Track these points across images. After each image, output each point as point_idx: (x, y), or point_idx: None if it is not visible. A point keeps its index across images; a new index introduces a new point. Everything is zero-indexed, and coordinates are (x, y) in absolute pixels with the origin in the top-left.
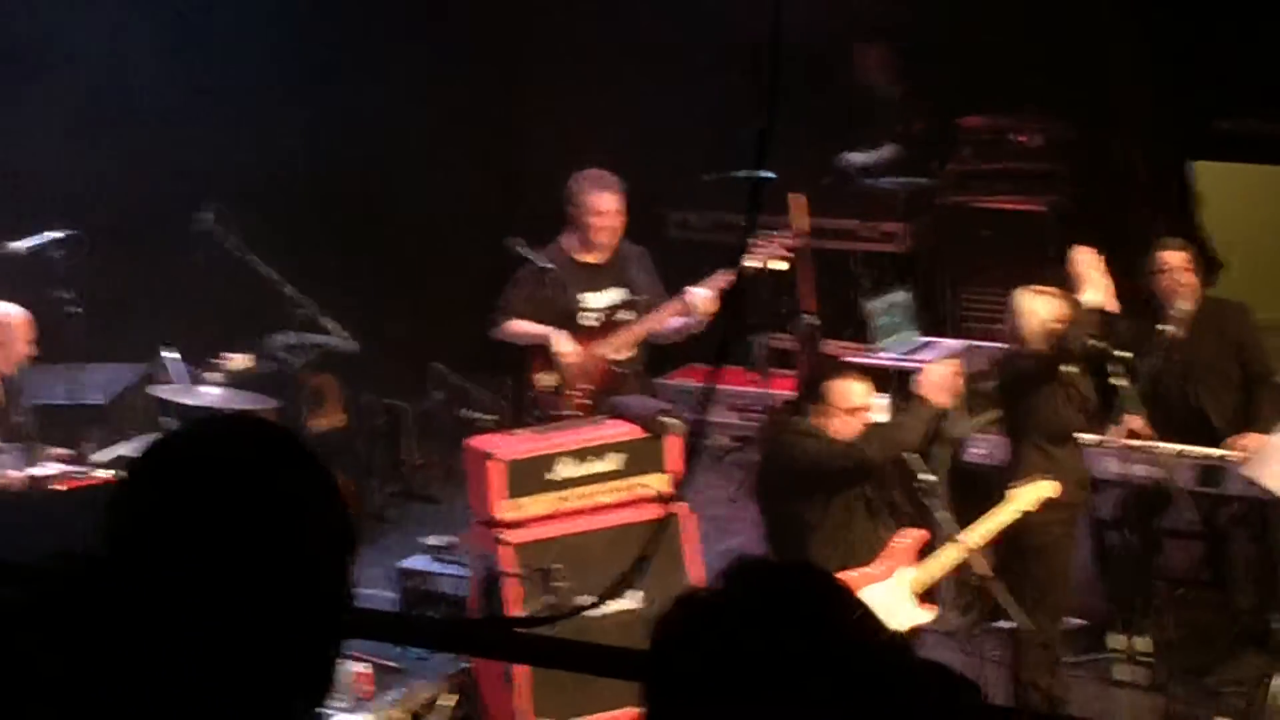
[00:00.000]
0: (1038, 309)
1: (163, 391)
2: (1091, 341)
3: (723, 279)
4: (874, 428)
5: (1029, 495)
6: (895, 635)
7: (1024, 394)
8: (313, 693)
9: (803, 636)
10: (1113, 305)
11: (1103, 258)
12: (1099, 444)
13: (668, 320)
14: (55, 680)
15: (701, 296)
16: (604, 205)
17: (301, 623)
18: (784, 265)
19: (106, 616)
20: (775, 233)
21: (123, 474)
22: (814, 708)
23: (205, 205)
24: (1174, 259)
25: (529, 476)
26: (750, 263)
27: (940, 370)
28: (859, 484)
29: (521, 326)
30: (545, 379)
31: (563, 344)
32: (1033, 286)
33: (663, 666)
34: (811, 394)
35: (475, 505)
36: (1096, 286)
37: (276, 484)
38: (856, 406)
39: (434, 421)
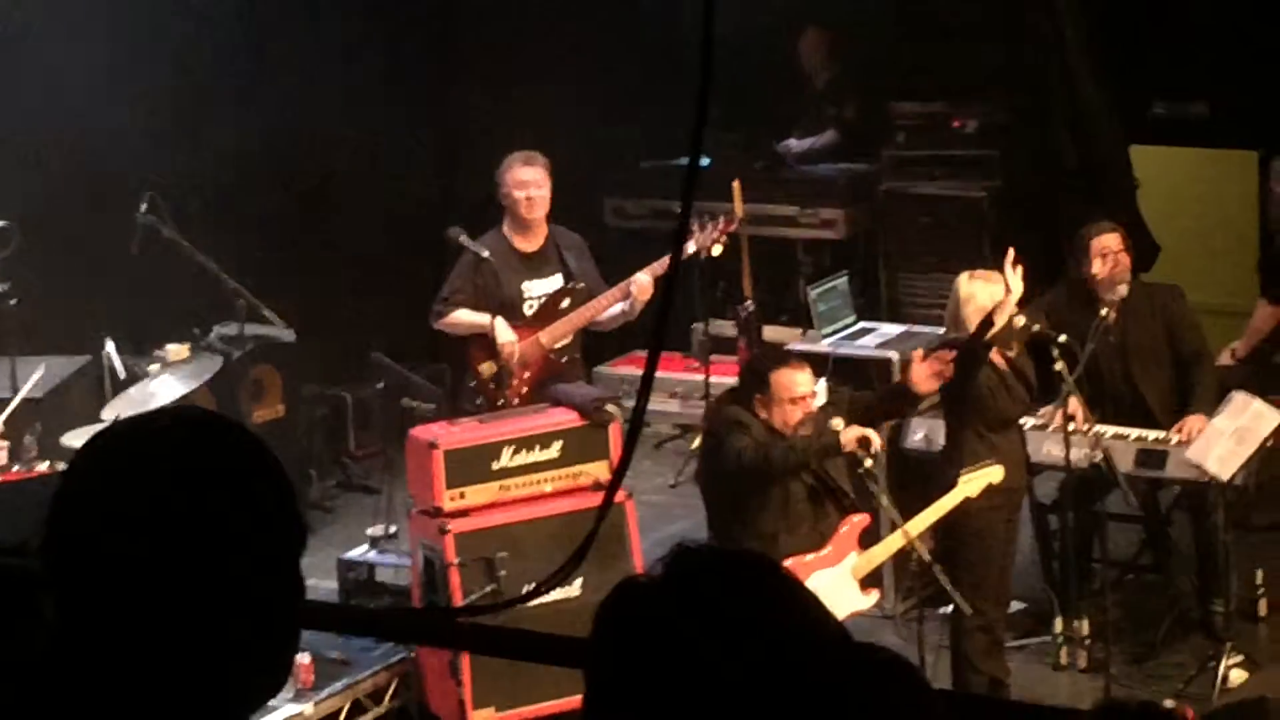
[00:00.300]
0: (976, 293)
1: (110, 405)
2: (1031, 325)
3: (660, 265)
4: (810, 419)
5: (978, 482)
6: (839, 624)
7: (963, 380)
8: (270, 685)
9: (746, 625)
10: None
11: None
12: (1039, 428)
13: (606, 308)
14: (12, 677)
15: (640, 284)
16: (527, 176)
17: (259, 615)
18: (719, 250)
19: (60, 612)
20: (711, 219)
21: (68, 465)
22: (757, 697)
23: (141, 195)
24: (1113, 242)
25: (471, 466)
26: (688, 248)
27: (924, 368)
28: (795, 475)
29: (462, 316)
30: (486, 368)
31: (503, 333)
32: (978, 272)
33: (603, 655)
34: (755, 383)
35: (417, 495)
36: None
37: (227, 475)
38: (800, 396)
39: (374, 411)
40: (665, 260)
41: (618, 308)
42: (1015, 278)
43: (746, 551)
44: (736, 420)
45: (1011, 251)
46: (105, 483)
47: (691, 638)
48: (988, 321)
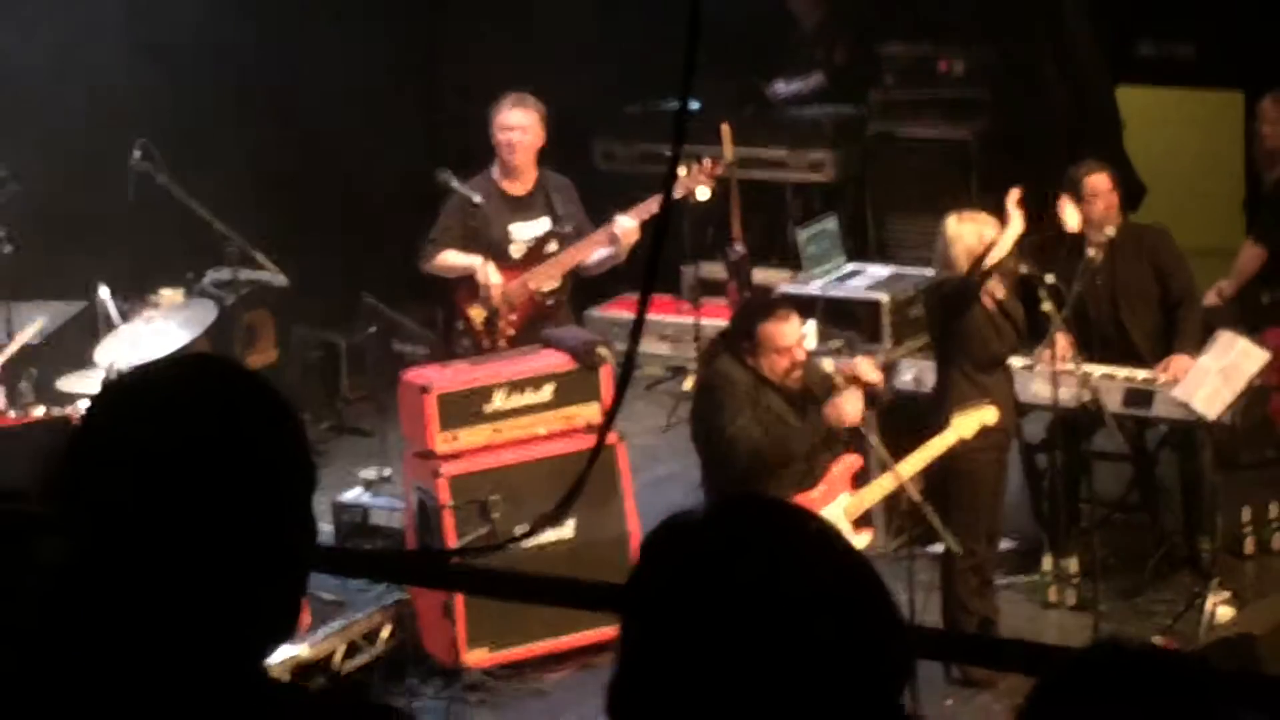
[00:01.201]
0: (964, 234)
1: (105, 350)
2: (1019, 266)
3: (646, 208)
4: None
5: (971, 422)
6: (877, 575)
7: (952, 321)
8: (284, 626)
9: (797, 567)
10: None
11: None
12: (1027, 369)
13: (594, 250)
14: (9, 623)
15: (625, 226)
16: (512, 120)
17: (272, 558)
18: (707, 193)
19: (71, 557)
20: (698, 162)
21: (82, 414)
22: (801, 636)
23: (134, 142)
24: (1101, 183)
25: (464, 409)
26: (676, 191)
27: (854, 403)
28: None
29: (450, 258)
30: (475, 312)
31: (490, 275)
32: (966, 213)
33: (653, 590)
34: (744, 333)
35: (410, 438)
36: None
37: (240, 421)
38: (787, 345)
39: (366, 355)
40: (650, 203)
41: (604, 251)
42: (1017, 215)
43: (789, 503)
44: (728, 379)
45: (1016, 191)
46: (119, 429)
47: (746, 577)
48: (980, 260)
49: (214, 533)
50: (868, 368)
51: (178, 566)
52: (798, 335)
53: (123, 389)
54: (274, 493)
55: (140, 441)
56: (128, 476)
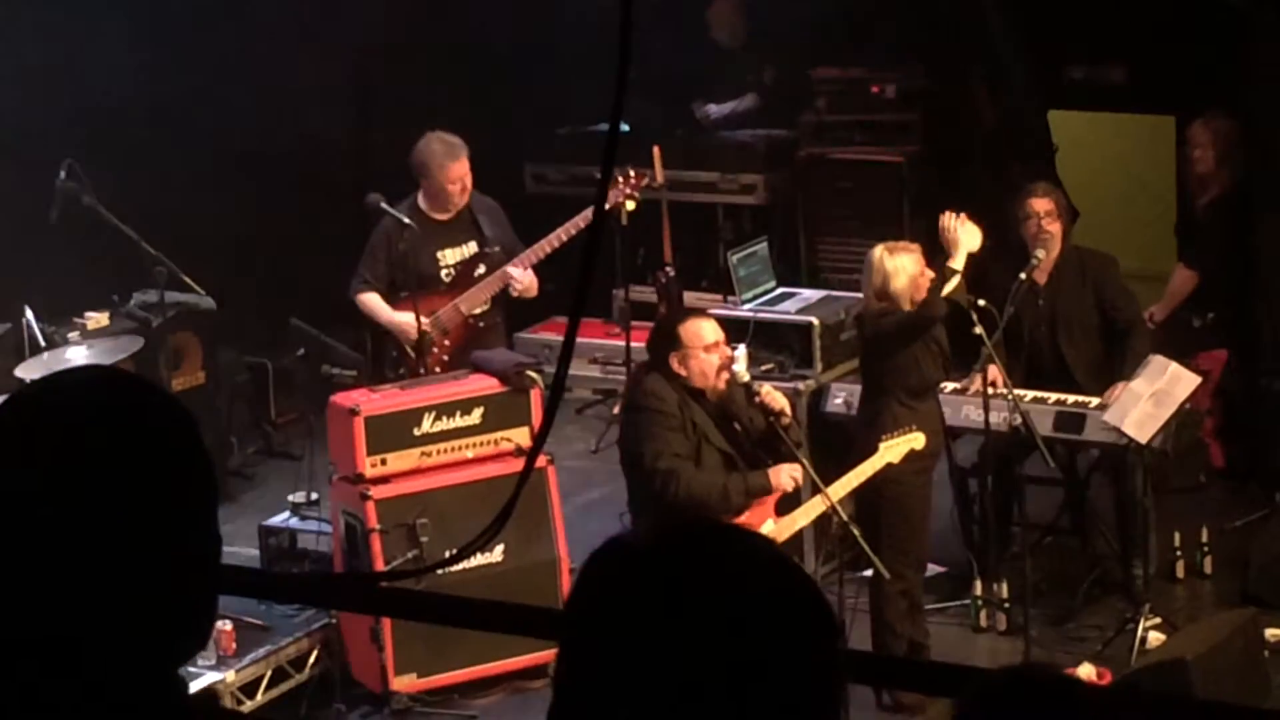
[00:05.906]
0: (907, 266)
1: (27, 373)
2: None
3: (573, 225)
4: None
5: (899, 448)
6: (821, 595)
7: (888, 352)
8: (193, 640)
9: (744, 598)
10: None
11: (962, 213)
12: (958, 393)
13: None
14: None
15: (513, 276)
16: (460, 171)
17: (175, 568)
18: (631, 205)
19: None
20: (624, 174)
21: None
22: (747, 664)
23: (60, 162)
24: (1041, 205)
25: (393, 432)
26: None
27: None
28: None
29: (376, 306)
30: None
31: (409, 332)
32: (892, 244)
33: (593, 614)
34: (666, 342)
35: (339, 461)
36: (967, 245)
37: (138, 432)
38: (712, 342)
39: (295, 378)
40: (578, 219)
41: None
42: (970, 232)
43: (737, 527)
44: (656, 396)
45: (961, 215)
46: (15, 442)
47: (693, 604)
48: (938, 287)
49: (112, 541)
50: (774, 396)
51: (74, 578)
52: (718, 333)
53: (19, 402)
54: (172, 501)
55: (34, 454)
56: (21, 487)
